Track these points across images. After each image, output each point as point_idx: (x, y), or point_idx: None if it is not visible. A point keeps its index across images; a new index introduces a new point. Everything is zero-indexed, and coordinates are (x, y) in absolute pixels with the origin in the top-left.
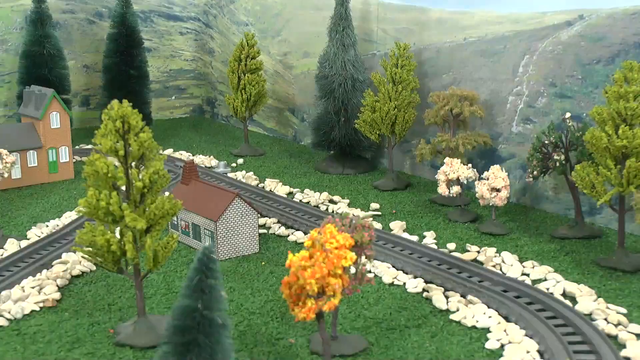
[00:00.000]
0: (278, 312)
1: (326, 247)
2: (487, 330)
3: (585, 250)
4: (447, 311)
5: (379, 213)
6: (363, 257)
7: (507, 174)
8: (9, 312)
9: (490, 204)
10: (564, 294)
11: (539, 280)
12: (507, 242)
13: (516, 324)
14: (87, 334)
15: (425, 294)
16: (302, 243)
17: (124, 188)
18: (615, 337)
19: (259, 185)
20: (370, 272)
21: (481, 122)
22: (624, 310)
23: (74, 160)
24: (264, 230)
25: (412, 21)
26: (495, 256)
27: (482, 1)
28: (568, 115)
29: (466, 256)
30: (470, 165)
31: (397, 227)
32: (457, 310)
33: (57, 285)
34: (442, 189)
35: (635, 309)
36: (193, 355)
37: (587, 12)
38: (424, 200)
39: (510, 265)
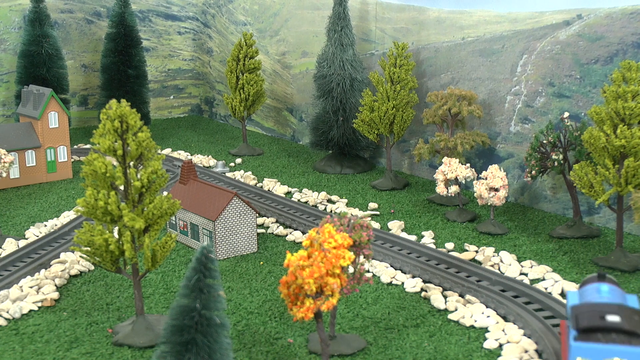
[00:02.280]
0: (276, 312)
1: (324, 246)
2: (486, 329)
3: (584, 249)
4: (446, 311)
5: (377, 212)
6: (361, 257)
7: (505, 173)
8: (7, 312)
9: (489, 204)
10: (562, 294)
11: (537, 280)
12: (505, 241)
13: (514, 323)
14: (85, 333)
15: (423, 293)
16: (301, 242)
17: (122, 188)
18: None
19: (257, 185)
20: (368, 271)
21: (479, 122)
22: None
23: (73, 160)
24: (263, 230)
25: (410, 21)
26: (493, 256)
27: (480, 1)
28: (566, 114)
29: (464, 256)
30: (468, 164)
31: (395, 226)
32: (456, 309)
33: (56, 285)
34: (441, 189)
35: None
36: (191, 354)
37: (586, 11)
38: (422, 199)
39: (508, 264)
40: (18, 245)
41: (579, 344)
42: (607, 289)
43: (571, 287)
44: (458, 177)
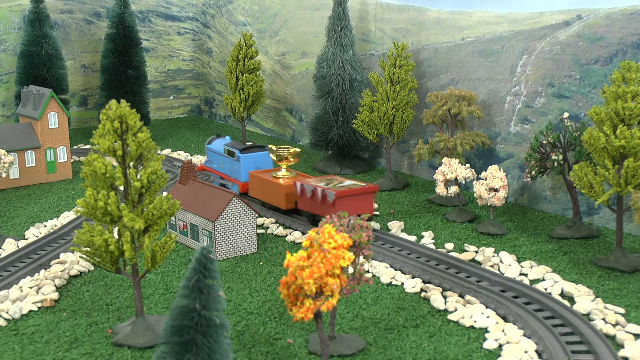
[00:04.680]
0: (276, 312)
1: (324, 247)
2: (485, 330)
3: (583, 250)
4: (445, 311)
5: (377, 213)
6: (361, 257)
7: (505, 174)
8: (7, 312)
9: (489, 204)
10: (562, 294)
11: (537, 280)
12: (505, 242)
13: (514, 324)
14: (85, 334)
15: (423, 294)
16: (300, 243)
17: (122, 188)
18: (613, 337)
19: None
20: (368, 272)
21: (479, 122)
22: (622, 310)
23: (72, 161)
24: (262, 230)
25: (410, 21)
26: (493, 256)
27: (480, 1)
28: (566, 115)
29: (464, 256)
30: (468, 165)
31: (395, 227)
32: (455, 310)
33: (55, 286)
34: (440, 189)
35: (633, 309)
36: (191, 355)
37: (585, 12)
38: (422, 200)
39: (508, 265)
40: (18, 246)
41: (245, 155)
42: (228, 138)
43: (571, 287)
44: (458, 178)
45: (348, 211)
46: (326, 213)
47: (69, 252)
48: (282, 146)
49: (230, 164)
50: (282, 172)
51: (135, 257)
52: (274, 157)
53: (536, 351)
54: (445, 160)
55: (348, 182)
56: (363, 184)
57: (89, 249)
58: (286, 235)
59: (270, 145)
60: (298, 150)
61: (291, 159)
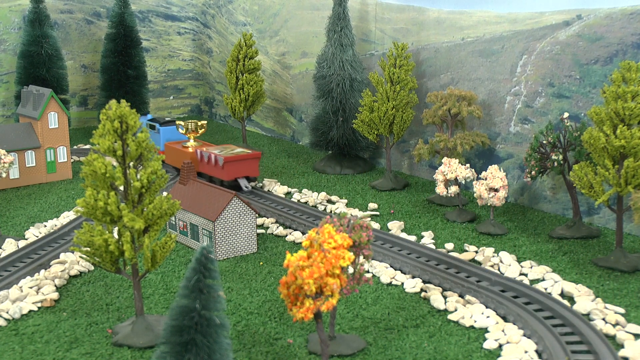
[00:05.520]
0: (276, 312)
1: (324, 247)
2: (485, 330)
3: (583, 250)
4: (445, 311)
5: (377, 213)
6: (361, 257)
7: (505, 174)
8: (7, 312)
9: (489, 204)
10: (562, 294)
11: (537, 280)
12: (505, 242)
13: (514, 324)
14: (85, 334)
15: (423, 293)
16: (300, 243)
17: (122, 188)
18: (613, 337)
19: (257, 185)
20: (368, 272)
21: (479, 122)
22: (622, 310)
23: (72, 161)
24: (262, 230)
25: (410, 21)
26: (493, 256)
27: (480, 1)
28: (566, 115)
29: (464, 256)
30: (468, 165)
31: (395, 227)
32: (455, 310)
33: (55, 285)
34: (440, 189)
35: (633, 309)
36: (191, 355)
37: (585, 12)
38: (422, 200)
39: (508, 265)
40: (18, 246)
41: (165, 128)
42: (149, 115)
43: (571, 287)
44: (458, 178)
45: (235, 173)
46: (219, 174)
47: (69, 252)
48: (189, 120)
49: (152, 135)
50: (191, 143)
51: (135, 257)
52: (183, 131)
53: (536, 351)
54: (445, 160)
55: (238, 150)
56: (249, 151)
57: (89, 249)
58: (286, 235)
59: (178, 122)
60: (204, 122)
61: (198, 131)
